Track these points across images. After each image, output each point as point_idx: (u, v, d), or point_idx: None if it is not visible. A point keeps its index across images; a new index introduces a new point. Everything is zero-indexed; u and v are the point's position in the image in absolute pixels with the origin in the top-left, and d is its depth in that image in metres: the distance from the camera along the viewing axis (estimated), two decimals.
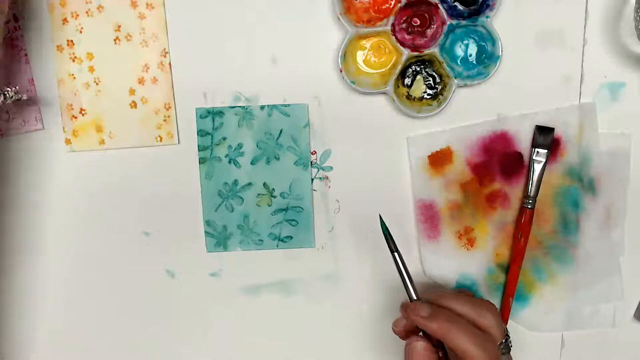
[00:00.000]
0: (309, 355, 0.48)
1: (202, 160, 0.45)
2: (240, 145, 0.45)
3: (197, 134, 0.45)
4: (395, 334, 0.40)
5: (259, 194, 0.45)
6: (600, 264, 0.46)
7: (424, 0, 0.42)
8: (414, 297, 0.40)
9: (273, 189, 0.45)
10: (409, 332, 0.40)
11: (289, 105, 0.44)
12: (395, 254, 0.40)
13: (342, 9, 0.42)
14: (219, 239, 0.46)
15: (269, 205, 0.46)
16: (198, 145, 0.45)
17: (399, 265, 0.40)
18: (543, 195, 0.45)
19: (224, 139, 0.45)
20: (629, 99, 0.44)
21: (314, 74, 0.44)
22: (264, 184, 0.45)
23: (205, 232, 0.46)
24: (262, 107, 0.45)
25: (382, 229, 0.40)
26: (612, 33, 0.44)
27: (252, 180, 0.45)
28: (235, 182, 0.45)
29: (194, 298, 0.48)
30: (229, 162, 0.45)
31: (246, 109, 0.45)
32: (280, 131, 0.45)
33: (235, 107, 0.45)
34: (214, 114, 0.44)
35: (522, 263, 0.45)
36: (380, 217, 0.41)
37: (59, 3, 0.44)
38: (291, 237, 0.46)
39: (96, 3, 0.44)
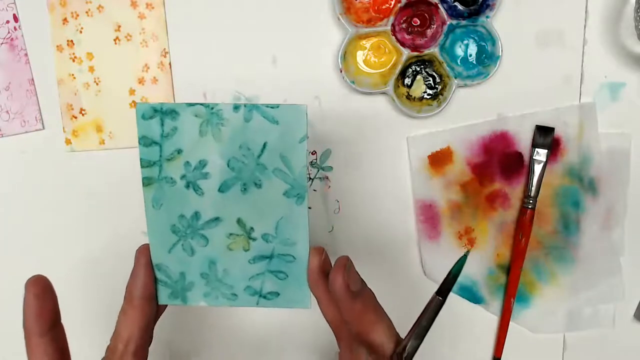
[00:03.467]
0: (309, 354, 0.48)
1: (146, 182, 0.32)
2: (203, 163, 0.32)
3: (139, 143, 0.32)
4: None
5: (231, 234, 0.33)
6: (601, 264, 0.46)
7: (424, 0, 0.42)
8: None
9: (252, 228, 0.33)
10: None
11: (277, 106, 0.31)
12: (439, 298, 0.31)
13: (342, 9, 0.42)
14: (174, 288, 0.34)
15: (246, 250, 0.33)
16: (141, 160, 0.32)
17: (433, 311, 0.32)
18: (543, 195, 0.45)
19: (179, 152, 0.32)
20: (629, 99, 0.44)
21: (314, 74, 0.44)
22: (239, 220, 0.32)
23: (157, 278, 0.34)
24: (236, 108, 0.31)
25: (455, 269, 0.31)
26: (612, 33, 0.44)
27: (220, 214, 0.32)
28: (196, 215, 0.33)
29: None
30: (187, 186, 0.32)
31: (212, 108, 0.31)
32: (264, 145, 0.31)
33: (196, 104, 0.31)
34: (164, 113, 0.31)
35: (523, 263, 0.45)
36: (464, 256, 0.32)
37: (59, 3, 0.44)
38: (277, 294, 0.34)
39: (96, 3, 0.44)
